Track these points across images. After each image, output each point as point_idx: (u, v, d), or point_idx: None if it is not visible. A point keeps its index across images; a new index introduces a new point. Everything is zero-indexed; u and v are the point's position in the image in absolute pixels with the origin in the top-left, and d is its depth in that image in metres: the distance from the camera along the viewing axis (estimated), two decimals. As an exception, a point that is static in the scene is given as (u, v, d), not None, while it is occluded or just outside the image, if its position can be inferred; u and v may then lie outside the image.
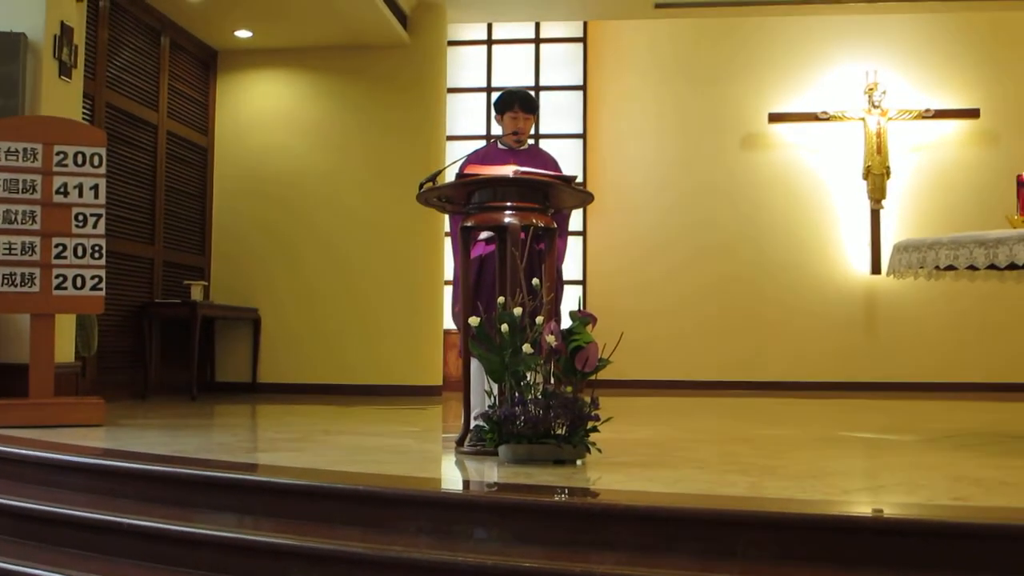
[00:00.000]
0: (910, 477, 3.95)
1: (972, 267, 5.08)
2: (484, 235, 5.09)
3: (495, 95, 8.25)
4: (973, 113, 10.97)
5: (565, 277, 5.90)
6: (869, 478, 4.12)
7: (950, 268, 5.18)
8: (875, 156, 10.97)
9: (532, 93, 7.76)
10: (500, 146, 5.56)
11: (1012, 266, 5.00)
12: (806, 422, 7.03)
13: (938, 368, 10.83)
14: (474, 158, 5.40)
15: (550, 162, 5.51)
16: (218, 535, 3.40)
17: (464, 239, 4.76)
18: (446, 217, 5.83)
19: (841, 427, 6.54)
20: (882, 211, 11.02)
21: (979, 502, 3.26)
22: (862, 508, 3.32)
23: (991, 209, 9.89)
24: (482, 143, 10.24)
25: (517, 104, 5.44)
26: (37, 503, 3.90)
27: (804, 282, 11.19)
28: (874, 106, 11.00)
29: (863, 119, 11.05)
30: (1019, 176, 5.36)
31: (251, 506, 3.61)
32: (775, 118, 11.23)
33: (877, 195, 10.97)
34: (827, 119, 11.13)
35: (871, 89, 11.01)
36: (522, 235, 4.49)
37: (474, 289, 5.01)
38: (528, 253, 4.50)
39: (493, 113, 5.63)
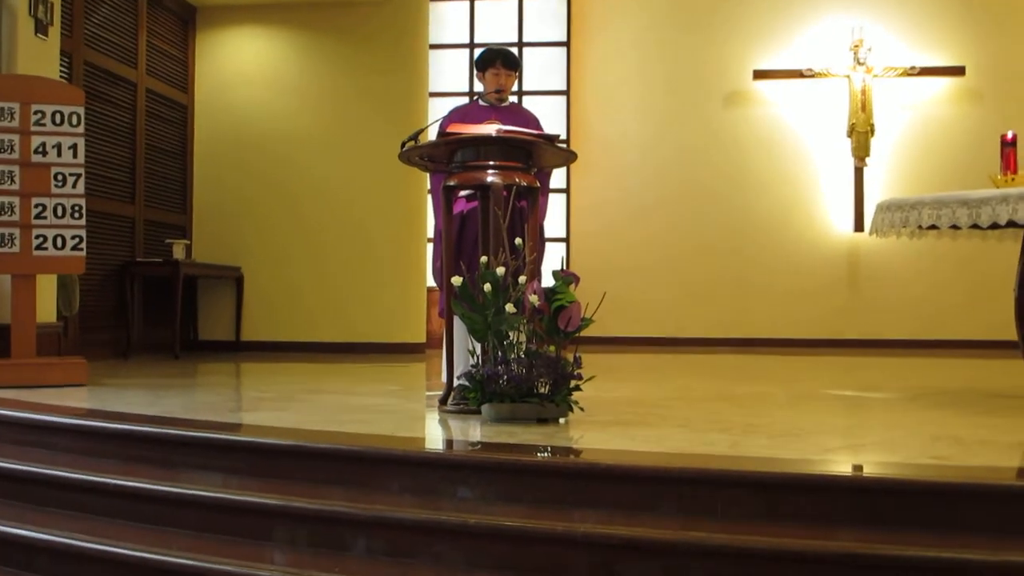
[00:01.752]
0: (890, 436, 3.99)
1: (955, 227, 5.11)
2: (465, 192, 5.09)
3: (477, 52, 8.21)
4: (958, 71, 10.95)
5: (548, 235, 5.90)
6: (849, 436, 4.16)
7: (933, 227, 5.20)
8: (859, 114, 10.96)
9: (514, 50, 7.74)
10: (481, 103, 5.55)
11: (994, 226, 5.03)
12: (789, 380, 7.08)
13: (920, 326, 10.90)
14: (455, 116, 5.40)
15: (532, 120, 5.51)
16: (203, 495, 3.43)
17: (447, 198, 4.76)
18: (427, 176, 5.82)
19: (823, 385, 6.59)
20: (866, 169, 11.02)
21: (958, 461, 3.30)
22: (842, 467, 3.36)
23: (975, 168, 9.89)
24: (464, 100, 10.21)
25: (499, 61, 5.43)
26: (20, 463, 3.92)
27: (788, 240, 11.22)
28: (859, 63, 10.97)
29: (848, 76, 11.02)
30: (1003, 136, 5.38)
31: (236, 466, 3.63)
32: (760, 75, 11.19)
33: (861, 153, 10.98)
34: (812, 76, 11.10)
35: (856, 46, 10.97)
36: (504, 194, 4.49)
37: (456, 247, 5.01)
38: (511, 211, 4.51)
39: (475, 71, 5.62)
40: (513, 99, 5.90)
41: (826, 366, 8.53)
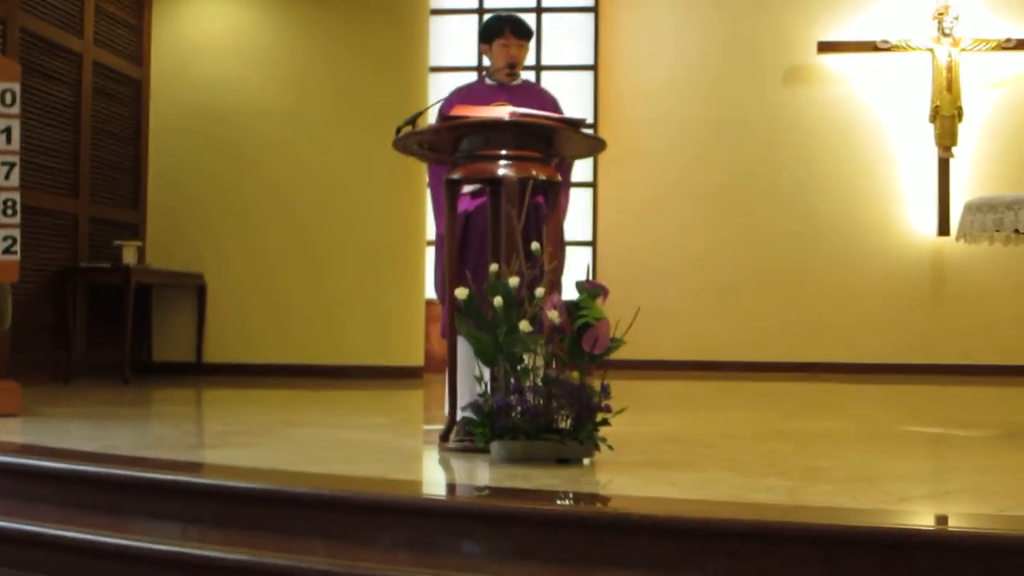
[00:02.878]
0: (981, 482, 3.98)
1: (1059, 230, 5.10)
2: (470, 188, 5.09)
3: (486, 19, 8.21)
4: (1062, 43, 10.96)
5: (570, 238, 5.91)
6: (933, 483, 4.15)
7: (1032, 231, 5.19)
8: (945, 94, 10.94)
9: (531, 17, 7.76)
10: (488, 81, 5.55)
11: (1106, 229, 5.02)
12: (859, 413, 7.07)
13: (1017, 349, 10.85)
14: (458, 97, 5.41)
15: (550, 102, 5.51)
16: (158, 548, 3.43)
17: (450, 194, 4.76)
18: (426, 166, 5.83)
19: (901, 419, 6.57)
20: (952, 160, 11.01)
21: (1062, 512, 3.30)
22: (924, 519, 3.35)
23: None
24: (472, 76, 10.23)
25: (508, 28, 5.43)
26: (-60, 509, 3.93)
27: (859, 244, 11.20)
28: (944, 34, 10.96)
29: (931, 49, 11.01)
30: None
31: (197, 514, 3.63)
32: (825, 47, 11.18)
33: (946, 141, 10.96)
34: (888, 49, 11.09)
35: (941, 14, 10.97)
36: (519, 189, 4.50)
37: (460, 253, 5.01)
38: (526, 210, 4.51)
39: (480, 44, 5.63)
40: (527, 76, 5.89)
41: (905, 397, 8.51)
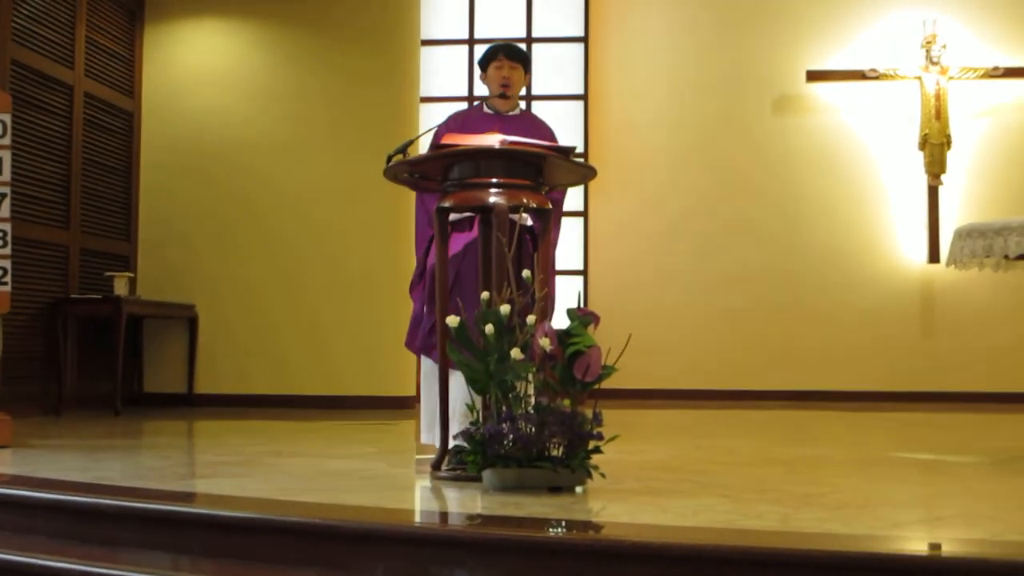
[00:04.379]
0: (972, 507, 3.98)
1: (1048, 256, 5.11)
2: (454, 216, 5.10)
3: (479, 50, 8.24)
4: (1049, 72, 11.02)
5: (562, 267, 5.92)
6: (924, 508, 4.14)
7: (1022, 258, 5.20)
8: (933, 122, 10.99)
9: (523, 46, 7.78)
10: (485, 110, 5.58)
11: (1095, 255, 5.03)
12: (850, 440, 7.06)
13: (1007, 376, 10.85)
14: (452, 124, 5.43)
15: (544, 131, 5.53)
16: (148, 579, 3.42)
17: (441, 222, 4.77)
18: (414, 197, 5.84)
19: (892, 446, 6.57)
20: (941, 188, 11.04)
21: (1053, 537, 3.30)
22: (916, 544, 3.34)
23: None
24: (463, 106, 10.25)
25: (501, 52, 5.48)
26: (-70, 541, 3.91)
27: (848, 272, 11.21)
28: (932, 62, 11.02)
29: (919, 78, 11.07)
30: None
31: (187, 544, 3.62)
32: (814, 76, 11.23)
33: (935, 169, 10.99)
34: (876, 78, 11.14)
35: (929, 42, 11.02)
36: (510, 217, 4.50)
37: (450, 284, 5.01)
38: (516, 239, 4.51)
39: (477, 73, 5.66)
40: (523, 106, 5.91)
41: (895, 424, 8.50)
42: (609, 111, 11.59)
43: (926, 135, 11.02)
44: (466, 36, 11.71)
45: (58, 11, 9.06)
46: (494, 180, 4.57)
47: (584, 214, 11.43)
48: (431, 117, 9.84)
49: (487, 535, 3.35)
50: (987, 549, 3.16)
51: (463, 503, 4.07)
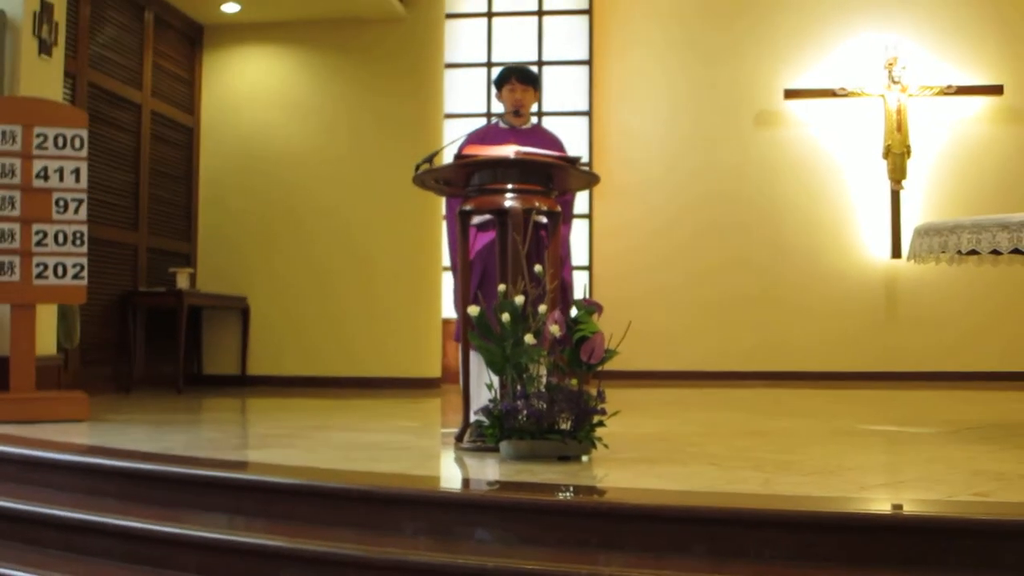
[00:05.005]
0: (929, 472, 3.96)
1: (996, 252, 5.08)
2: (477, 220, 5.08)
3: (495, 71, 8.23)
4: (997, 90, 10.93)
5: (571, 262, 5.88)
6: (888, 473, 4.13)
7: (973, 252, 5.17)
8: (895, 134, 10.95)
9: (534, 68, 7.77)
10: (501, 125, 5.57)
11: (1038, 250, 5.00)
12: (823, 414, 7.04)
13: (961, 357, 10.83)
14: (473, 138, 5.42)
15: (554, 142, 5.51)
16: (206, 536, 3.41)
17: (463, 223, 4.76)
18: (443, 201, 5.84)
19: (859, 420, 6.55)
20: (902, 192, 11.00)
21: (1001, 497, 3.28)
22: (880, 505, 3.33)
23: (1015, 189, 9.88)
24: (482, 121, 10.24)
25: (514, 76, 5.45)
26: (18, 502, 3.92)
27: (821, 267, 11.18)
28: (894, 81, 10.97)
29: (883, 95, 11.02)
30: (1046, 156, 5.35)
31: (241, 506, 3.62)
32: (791, 94, 11.20)
33: (897, 175, 10.95)
34: (845, 95, 11.10)
35: (891, 63, 10.97)
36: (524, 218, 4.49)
37: (474, 280, 5.00)
38: (529, 238, 4.50)
39: (493, 92, 5.65)
40: (535, 120, 5.89)
41: (862, 400, 8.48)
42: (611, 125, 11.56)
43: (889, 146, 10.98)
44: (484, 60, 11.70)
45: (128, 40, 9.06)
46: (509, 186, 4.56)
47: (589, 216, 11.41)
48: (453, 131, 9.87)
49: (504, 498, 3.35)
50: (943, 508, 3.15)
51: (483, 471, 4.06)
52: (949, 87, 10.94)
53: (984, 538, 2.80)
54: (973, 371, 10.72)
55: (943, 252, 5.28)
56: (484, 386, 4.51)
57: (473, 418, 4.65)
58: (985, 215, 5.21)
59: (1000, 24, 11.09)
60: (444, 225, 8.69)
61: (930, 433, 5.55)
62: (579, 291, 4.78)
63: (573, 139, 10.79)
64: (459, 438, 4.71)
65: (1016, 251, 5.06)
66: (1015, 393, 8.95)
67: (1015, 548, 2.77)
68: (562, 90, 11.58)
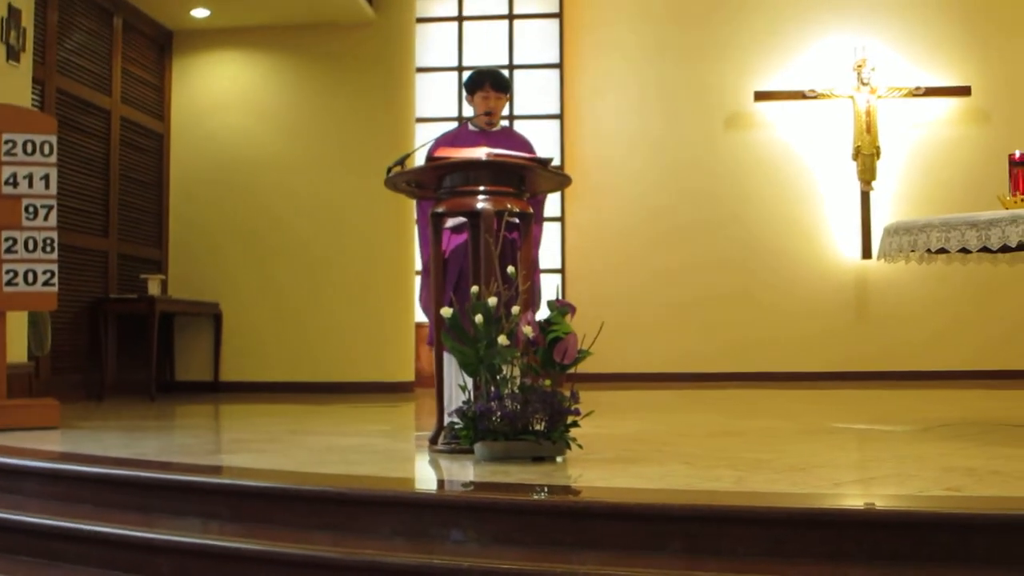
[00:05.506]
0: (901, 468, 3.99)
1: (964, 250, 5.12)
2: (451, 223, 5.08)
3: (466, 75, 8.24)
4: (964, 91, 11.03)
5: (542, 264, 5.91)
6: (860, 470, 4.16)
7: (942, 251, 5.22)
8: (864, 135, 11.02)
9: (505, 72, 7.78)
10: (471, 128, 5.56)
11: (1005, 248, 5.04)
12: (795, 413, 7.08)
13: (931, 356, 10.91)
14: (444, 140, 5.40)
15: (524, 144, 5.51)
16: (181, 541, 3.40)
17: (435, 225, 4.76)
18: (414, 204, 5.83)
19: (831, 418, 6.58)
20: (872, 193, 11.07)
21: (971, 492, 3.31)
22: (853, 501, 3.35)
23: (983, 189, 9.90)
24: (453, 125, 10.24)
25: (488, 83, 5.43)
26: (-11, 510, 3.89)
27: (792, 268, 11.24)
28: (863, 83, 11.05)
29: (852, 97, 11.10)
30: (1011, 156, 5.41)
31: (216, 510, 3.61)
32: (761, 96, 11.26)
33: (867, 176, 11.03)
34: (815, 97, 11.17)
35: (860, 65, 11.05)
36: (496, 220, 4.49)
37: (446, 280, 5.00)
38: (502, 239, 4.51)
39: (464, 94, 5.64)
40: (505, 123, 5.90)
41: (834, 399, 8.52)
42: (582, 127, 11.59)
43: (858, 147, 11.05)
44: (455, 64, 11.70)
45: (97, 45, 9.02)
46: (481, 188, 4.56)
47: (561, 219, 11.43)
48: (425, 135, 9.82)
49: (479, 499, 3.35)
50: (914, 503, 3.18)
51: (457, 472, 4.06)
52: (918, 88, 11.03)
53: (955, 532, 2.82)
54: (943, 370, 10.80)
55: (913, 251, 5.32)
56: (458, 388, 4.51)
57: (447, 420, 4.65)
58: (954, 214, 5.25)
59: (967, 26, 11.20)
60: (416, 229, 8.70)
61: (901, 431, 5.58)
62: (550, 292, 4.78)
63: (545, 142, 10.80)
64: (434, 440, 4.71)
65: (985, 249, 5.10)
66: (984, 391, 9.03)
67: (985, 542, 2.80)
68: (534, 93, 11.60)
